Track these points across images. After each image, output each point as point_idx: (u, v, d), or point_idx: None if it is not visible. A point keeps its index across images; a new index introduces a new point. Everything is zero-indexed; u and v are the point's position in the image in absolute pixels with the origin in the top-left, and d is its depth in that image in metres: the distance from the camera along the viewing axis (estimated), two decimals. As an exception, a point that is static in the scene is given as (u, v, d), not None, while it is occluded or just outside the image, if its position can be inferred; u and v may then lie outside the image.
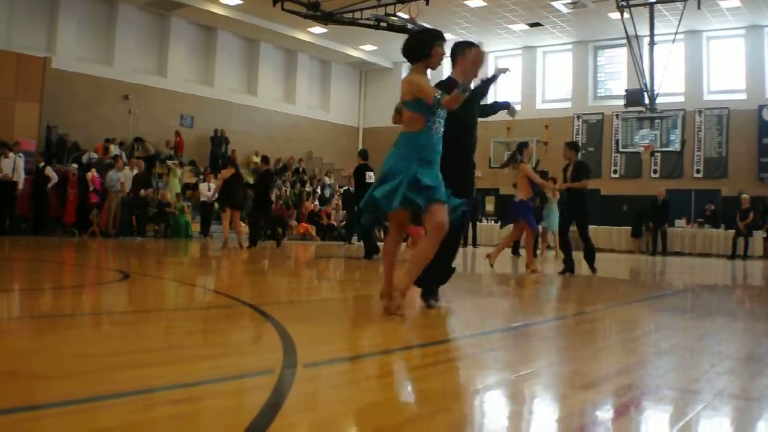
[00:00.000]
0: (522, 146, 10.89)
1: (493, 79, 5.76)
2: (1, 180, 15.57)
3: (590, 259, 10.17)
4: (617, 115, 23.79)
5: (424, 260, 4.48)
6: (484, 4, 22.26)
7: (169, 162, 20.85)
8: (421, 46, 4.60)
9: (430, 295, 5.10)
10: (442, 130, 4.54)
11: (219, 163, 24.10)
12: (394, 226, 4.71)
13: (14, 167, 15.77)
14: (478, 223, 22.28)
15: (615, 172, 24.82)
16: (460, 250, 19.67)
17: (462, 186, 5.10)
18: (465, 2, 22.23)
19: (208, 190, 19.45)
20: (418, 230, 13.18)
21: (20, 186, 16.04)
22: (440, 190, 4.40)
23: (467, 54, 4.99)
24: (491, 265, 10.41)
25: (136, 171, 18.23)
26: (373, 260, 11.48)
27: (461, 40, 5.34)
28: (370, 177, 12.30)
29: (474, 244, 21.72)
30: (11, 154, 15.79)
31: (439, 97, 4.34)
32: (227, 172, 14.62)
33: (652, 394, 2.70)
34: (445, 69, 5.11)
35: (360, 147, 30.19)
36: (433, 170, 4.45)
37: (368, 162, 12.59)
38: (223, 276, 8.57)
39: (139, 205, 18.24)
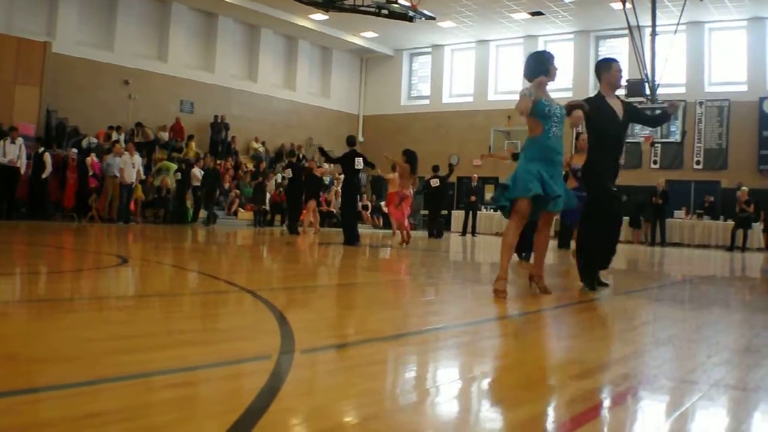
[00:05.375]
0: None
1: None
2: (6, 165, 15.55)
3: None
4: (618, 105, 23.72)
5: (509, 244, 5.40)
6: (486, -8, 22.18)
7: (167, 162, 20.66)
8: (540, 64, 5.46)
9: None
10: (561, 133, 5.41)
11: (219, 149, 24.08)
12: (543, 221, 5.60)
13: (19, 153, 15.78)
14: (477, 211, 22.32)
15: (615, 162, 24.77)
16: (461, 238, 19.68)
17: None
18: (467, -10, 22.15)
19: (199, 175, 19.42)
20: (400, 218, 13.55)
21: (22, 171, 16.04)
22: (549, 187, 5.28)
23: (612, 68, 6.02)
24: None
25: (136, 156, 18.17)
26: (357, 246, 11.86)
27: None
28: (359, 163, 12.36)
29: (473, 233, 21.75)
30: (18, 140, 15.79)
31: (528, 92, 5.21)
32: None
33: (649, 383, 2.71)
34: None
35: (360, 134, 30.27)
36: (554, 169, 5.36)
37: (356, 148, 12.69)
38: (221, 261, 8.58)
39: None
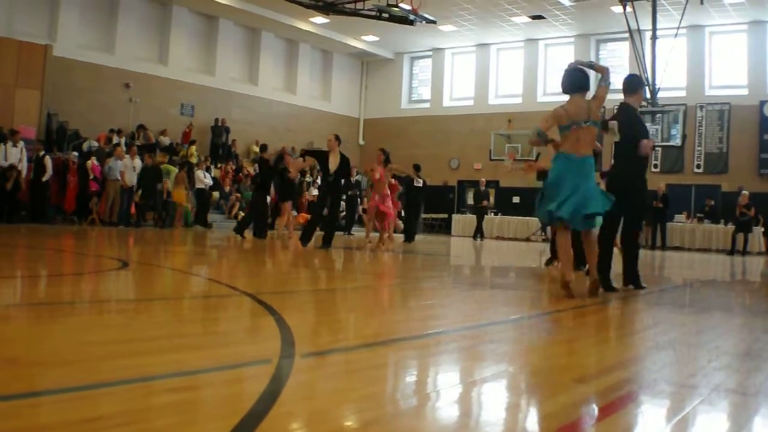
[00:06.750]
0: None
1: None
2: (9, 168, 15.55)
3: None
4: (618, 109, 23.70)
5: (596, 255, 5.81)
6: (487, -5, 22.19)
7: (168, 166, 20.52)
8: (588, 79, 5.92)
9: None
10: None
11: (219, 152, 24.09)
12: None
13: (20, 156, 15.79)
14: (485, 216, 22.40)
15: (615, 166, 24.77)
16: (471, 242, 19.50)
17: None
18: (467, -6, 22.17)
19: (204, 177, 19.38)
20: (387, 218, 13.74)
21: (23, 174, 16.05)
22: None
23: (645, 89, 6.18)
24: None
25: (137, 160, 18.18)
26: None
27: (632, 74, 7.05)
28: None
29: (475, 236, 21.75)
30: (19, 143, 15.80)
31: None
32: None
33: (650, 388, 2.71)
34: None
35: (361, 138, 30.24)
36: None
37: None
38: (221, 265, 8.57)
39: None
